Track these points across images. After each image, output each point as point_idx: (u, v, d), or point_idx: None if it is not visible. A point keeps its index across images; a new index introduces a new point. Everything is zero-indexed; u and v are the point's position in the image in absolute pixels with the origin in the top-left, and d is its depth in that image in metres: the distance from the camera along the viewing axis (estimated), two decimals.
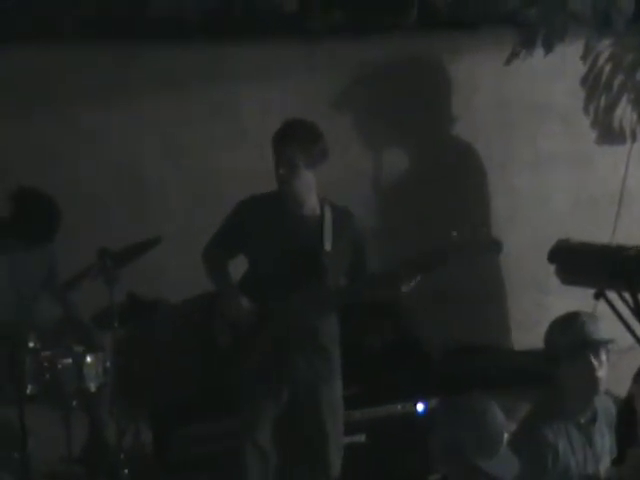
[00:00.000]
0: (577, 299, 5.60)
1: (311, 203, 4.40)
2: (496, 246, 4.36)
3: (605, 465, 3.83)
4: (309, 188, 4.37)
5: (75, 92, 6.02)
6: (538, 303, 6.82)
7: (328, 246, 4.35)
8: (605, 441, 3.86)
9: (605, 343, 3.74)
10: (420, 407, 5.26)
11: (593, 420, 3.82)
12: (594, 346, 3.70)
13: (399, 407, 5.27)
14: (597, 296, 5.86)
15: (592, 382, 3.72)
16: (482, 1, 6.59)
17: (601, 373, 3.72)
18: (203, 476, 4.85)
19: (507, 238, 6.85)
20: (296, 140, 4.32)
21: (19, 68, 5.87)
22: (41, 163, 5.87)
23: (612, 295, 5.93)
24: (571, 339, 3.71)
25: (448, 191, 6.81)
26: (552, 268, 6.20)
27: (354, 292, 4.44)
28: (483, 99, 6.94)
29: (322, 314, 4.40)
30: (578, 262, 6.05)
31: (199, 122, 6.30)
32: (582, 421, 3.79)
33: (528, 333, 6.32)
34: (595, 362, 3.70)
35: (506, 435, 3.18)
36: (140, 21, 6.05)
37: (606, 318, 5.29)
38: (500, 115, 6.99)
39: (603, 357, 3.72)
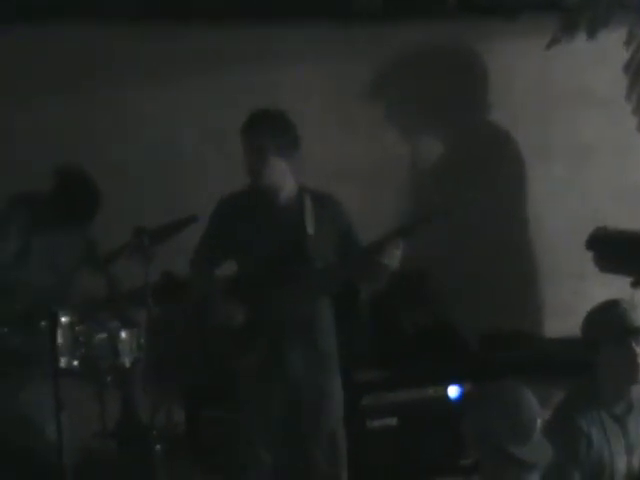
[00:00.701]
0: (614, 287, 5.57)
1: (287, 191, 4.31)
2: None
3: (639, 456, 3.80)
4: (282, 176, 4.28)
5: (117, 73, 6.04)
6: (575, 291, 6.78)
7: (311, 230, 4.26)
8: None
9: None
10: (451, 391, 5.25)
11: (628, 410, 3.79)
12: (637, 333, 3.68)
13: (431, 391, 5.26)
14: (635, 284, 5.83)
15: (633, 369, 3.69)
16: None
17: None
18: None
19: (545, 225, 6.96)
20: (265, 131, 4.24)
21: (64, 47, 5.90)
22: (83, 143, 5.90)
23: None
24: (613, 325, 3.69)
25: (485, 177, 6.78)
26: (590, 256, 6.17)
27: (340, 267, 4.30)
28: (522, 85, 6.89)
29: (314, 301, 4.31)
30: (616, 250, 6.03)
31: (239, 104, 6.29)
32: (617, 411, 3.76)
33: (564, 321, 6.28)
34: (637, 349, 3.68)
35: (539, 421, 3.17)
36: (183, 2, 6.06)
37: None
38: (540, 102, 6.94)
39: None
